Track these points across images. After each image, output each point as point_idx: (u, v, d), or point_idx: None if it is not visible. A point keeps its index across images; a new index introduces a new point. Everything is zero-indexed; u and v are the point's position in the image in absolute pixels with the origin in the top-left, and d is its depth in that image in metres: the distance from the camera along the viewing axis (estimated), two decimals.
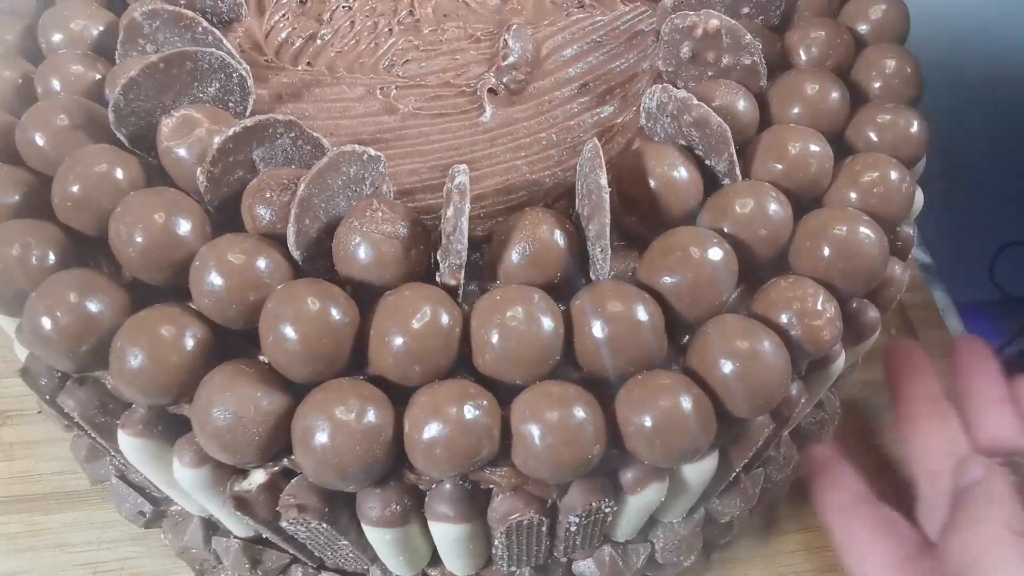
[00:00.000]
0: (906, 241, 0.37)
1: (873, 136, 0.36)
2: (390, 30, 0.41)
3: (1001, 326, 0.79)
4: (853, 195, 0.35)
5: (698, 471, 0.32)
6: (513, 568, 0.36)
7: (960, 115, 0.48)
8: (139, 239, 0.30)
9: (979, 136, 0.68)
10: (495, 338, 0.28)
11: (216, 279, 0.29)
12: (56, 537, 0.45)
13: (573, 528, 0.32)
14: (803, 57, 0.39)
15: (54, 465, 0.47)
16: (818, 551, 0.47)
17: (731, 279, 0.31)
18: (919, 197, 0.39)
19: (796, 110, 0.36)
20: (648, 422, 0.28)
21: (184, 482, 0.31)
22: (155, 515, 0.38)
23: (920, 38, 0.41)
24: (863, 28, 0.41)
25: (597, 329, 0.29)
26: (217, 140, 0.31)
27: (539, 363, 0.29)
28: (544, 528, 0.32)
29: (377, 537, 0.31)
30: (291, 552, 0.35)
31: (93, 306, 0.30)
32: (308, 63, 0.40)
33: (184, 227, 0.31)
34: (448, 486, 0.30)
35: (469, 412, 0.27)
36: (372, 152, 0.32)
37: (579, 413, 0.28)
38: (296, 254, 0.31)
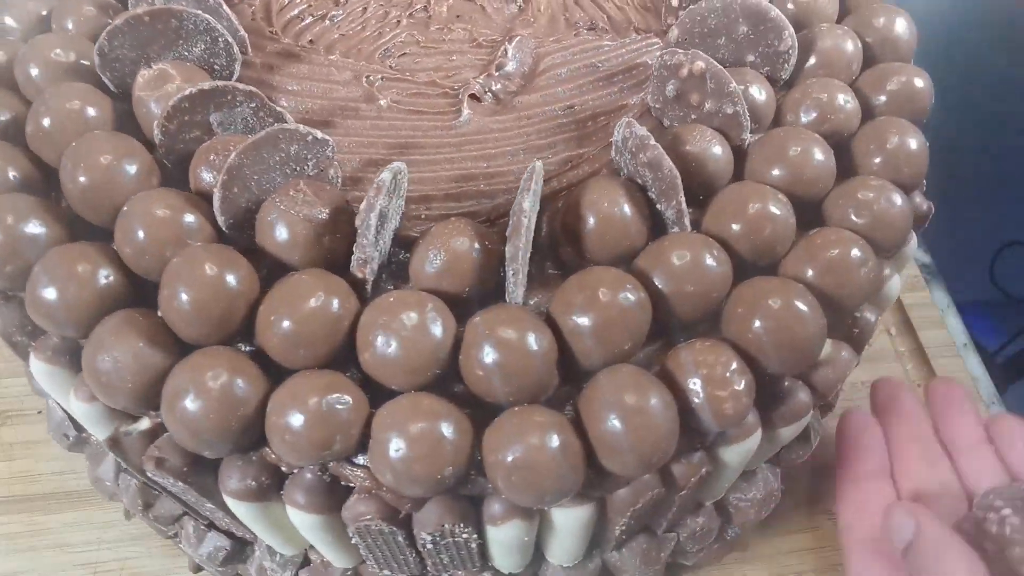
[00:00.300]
0: (864, 328, 0.35)
1: (851, 214, 0.34)
2: (398, 22, 0.42)
3: (1001, 326, 0.79)
4: (809, 271, 0.32)
5: (568, 517, 0.31)
6: (386, 572, 0.35)
7: (960, 115, 0.47)
8: (82, 178, 0.32)
9: (979, 136, 0.66)
10: (378, 338, 0.28)
11: (138, 228, 0.30)
12: (56, 537, 0.46)
13: (429, 545, 0.31)
14: (800, 118, 0.37)
15: (54, 465, 0.47)
16: (818, 551, 0.46)
17: (639, 328, 0.30)
18: (895, 284, 0.36)
19: (776, 171, 0.34)
20: (509, 455, 0.28)
21: (78, 413, 0.32)
22: (78, 440, 0.39)
23: (921, 37, 0.40)
24: (880, 99, 0.38)
25: (485, 352, 0.28)
26: (174, 97, 0.32)
27: (416, 371, 0.28)
28: (400, 538, 0.31)
29: (236, 508, 0.31)
30: (181, 504, 0.36)
31: (28, 230, 0.31)
32: (310, 41, 0.40)
33: (128, 173, 0.32)
34: (308, 475, 0.30)
35: (328, 404, 0.27)
36: (319, 135, 0.32)
37: (442, 430, 0.28)
38: (220, 220, 0.31)
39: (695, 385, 0.29)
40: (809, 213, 0.35)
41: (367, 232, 0.29)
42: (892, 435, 0.43)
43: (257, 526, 0.33)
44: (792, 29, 0.36)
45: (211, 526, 0.38)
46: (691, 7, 0.37)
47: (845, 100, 0.37)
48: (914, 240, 0.38)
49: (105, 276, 0.30)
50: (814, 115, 0.36)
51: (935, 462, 0.42)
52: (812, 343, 0.31)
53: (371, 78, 0.39)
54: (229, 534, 0.38)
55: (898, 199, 0.34)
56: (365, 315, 0.29)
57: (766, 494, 0.39)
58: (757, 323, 0.30)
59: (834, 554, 0.46)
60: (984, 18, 0.72)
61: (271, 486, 0.30)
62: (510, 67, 0.40)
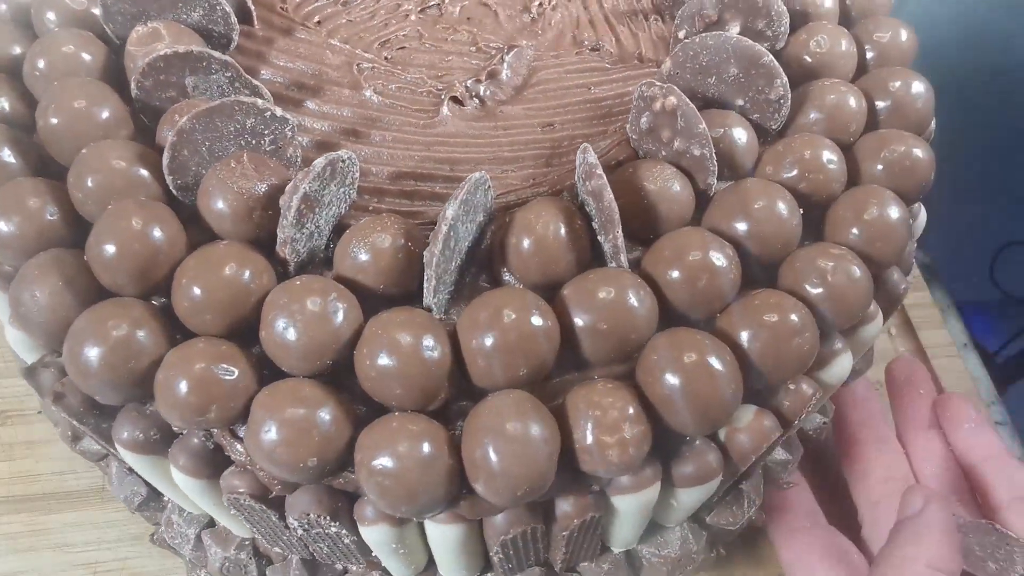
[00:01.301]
0: (796, 401, 0.33)
1: (804, 280, 0.32)
2: (407, 15, 0.42)
3: (1001, 326, 0.79)
4: (743, 332, 0.31)
5: (439, 532, 0.31)
6: (278, 549, 0.36)
7: (960, 115, 0.45)
8: (53, 118, 0.33)
9: (979, 136, 0.66)
10: (278, 319, 0.29)
11: (89, 173, 0.32)
12: (56, 537, 0.46)
13: (300, 531, 0.31)
14: (778, 171, 0.35)
15: (54, 465, 0.48)
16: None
17: (540, 355, 0.29)
18: (843, 363, 0.34)
19: (736, 223, 0.33)
20: (376, 458, 0.27)
21: (10, 339, 0.34)
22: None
23: (920, 36, 0.40)
24: (877, 168, 0.36)
25: (376, 350, 0.28)
26: (150, 56, 0.34)
27: (308, 357, 0.29)
28: (274, 519, 0.31)
29: (126, 456, 0.32)
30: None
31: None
32: (318, 21, 0.41)
33: (96, 120, 0.33)
34: (194, 439, 0.31)
35: (212, 373, 0.28)
36: (278, 113, 0.33)
37: (314, 419, 0.28)
38: (168, 179, 0.32)
39: (585, 425, 0.28)
40: (769, 272, 0.34)
41: (287, 213, 0.30)
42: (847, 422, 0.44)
43: (151, 479, 0.34)
44: (785, 78, 0.35)
45: (131, 470, 0.39)
46: (685, 41, 0.36)
47: (830, 160, 0.35)
48: (878, 321, 0.35)
49: (51, 213, 0.32)
50: (794, 172, 0.35)
51: (884, 446, 0.43)
52: (722, 406, 0.29)
53: (362, 66, 0.39)
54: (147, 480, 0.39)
55: (857, 272, 0.32)
56: (271, 294, 0.29)
57: (682, 555, 0.37)
58: (667, 375, 0.29)
59: None
60: (984, 18, 0.71)
61: (160, 443, 0.31)
62: (502, 76, 0.39)
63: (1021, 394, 0.70)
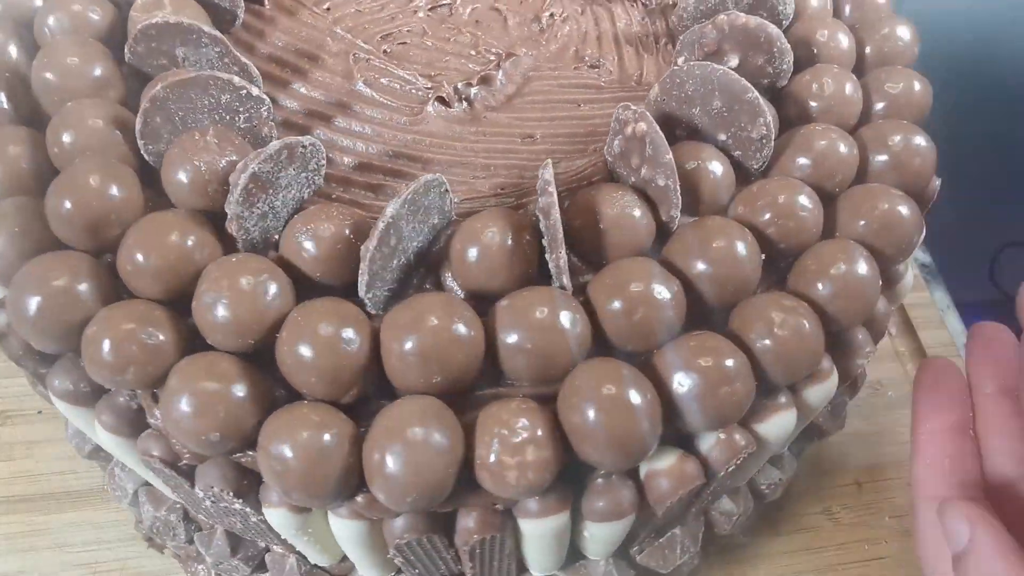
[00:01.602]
0: (725, 450, 0.31)
1: (754, 333, 0.31)
2: (415, 12, 0.42)
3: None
4: (678, 372, 0.30)
5: (340, 527, 0.30)
6: (202, 517, 0.36)
7: (960, 115, 0.46)
8: (47, 73, 0.35)
9: (979, 136, 0.66)
10: (207, 293, 0.29)
11: (66, 128, 0.33)
12: (56, 537, 0.46)
13: (208, 503, 0.32)
14: (751, 213, 0.33)
15: (54, 465, 0.48)
16: (818, 551, 0.46)
17: (457, 364, 0.28)
18: (785, 420, 0.33)
19: (693, 261, 0.32)
20: (273, 443, 0.27)
21: None
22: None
23: (920, 36, 0.40)
24: (858, 223, 0.34)
25: (293, 336, 0.28)
26: (144, 23, 0.35)
27: (232, 334, 0.29)
28: (187, 487, 0.32)
29: (57, 404, 0.33)
30: None
31: None
32: (327, 8, 0.42)
33: (86, 78, 0.35)
34: (119, 398, 0.31)
35: (136, 334, 0.28)
36: (255, 92, 0.33)
37: (222, 394, 0.28)
38: (140, 143, 0.33)
39: (490, 443, 0.28)
40: (723, 316, 0.33)
41: (234, 190, 0.30)
42: (983, 384, 0.38)
43: (85, 431, 0.35)
44: (769, 117, 0.33)
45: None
46: (674, 67, 0.35)
47: (804, 207, 0.33)
48: (831, 383, 0.34)
49: (26, 162, 0.33)
50: (765, 215, 0.33)
51: (950, 444, 0.37)
52: (637, 443, 0.28)
53: (358, 55, 0.40)
54: None
55: (807, 327, 0.31)
56: (207, 268, 0.30)
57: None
58: (584, 404, 0.28)
59: (833, 554, 0.46)
60: (984, 17, 0.71)
61: (90, 396, 0.32)
62: (496, 83, 0.39)
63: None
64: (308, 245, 0.31)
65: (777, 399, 0.32)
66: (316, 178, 0.34)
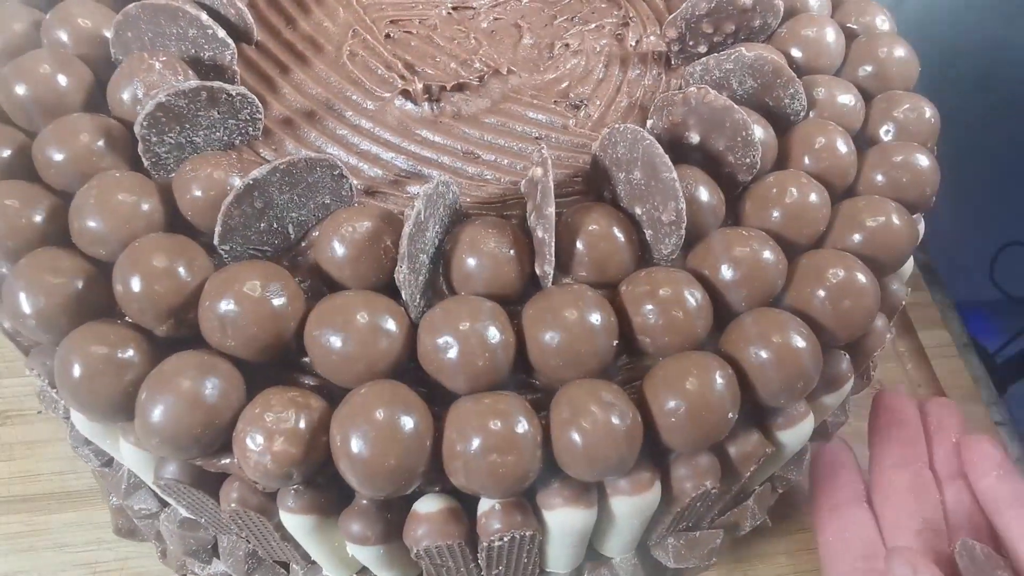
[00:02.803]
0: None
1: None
2: (437, 7, 0.42)
3: (1001, 326, 0.80)
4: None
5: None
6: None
7: (960, 115, 0.43)
8: (62, 34, 0.36)
9: (979, 136, 0.66)
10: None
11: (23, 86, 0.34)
12: (56, 537, 0.46)
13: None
14: (632, 300, 0.31)
15: (54, 465, 0.47)
16: (818, 551, 0.45)
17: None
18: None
19: (645, 305, 0.31)
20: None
21: None
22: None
23: (920, 36, 0.41)
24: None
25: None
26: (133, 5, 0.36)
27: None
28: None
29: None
30: None
31: None
32: None
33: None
34: None
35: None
36: (220, 34, 0.35)
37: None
38: (112, 52, 0.36)
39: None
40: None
41: (140, 112, 0.32)
42: (883, 456, 0.43)
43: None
44: (683, 204, 0.31)
45: None
46: (615, 126, 0.33)
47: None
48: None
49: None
50: (648, 306, 0.31)
51: (922, 493, 0.41)
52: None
53: (358, 31, 0.41)
54: None
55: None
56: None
57: None
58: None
59: None
60: (984, 17, 0.71)
61: None
62: (469, 94, 0.39)
63: (1021, 394, 0.70)
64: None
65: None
66: (250, 128, 0.35)
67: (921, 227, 0.39)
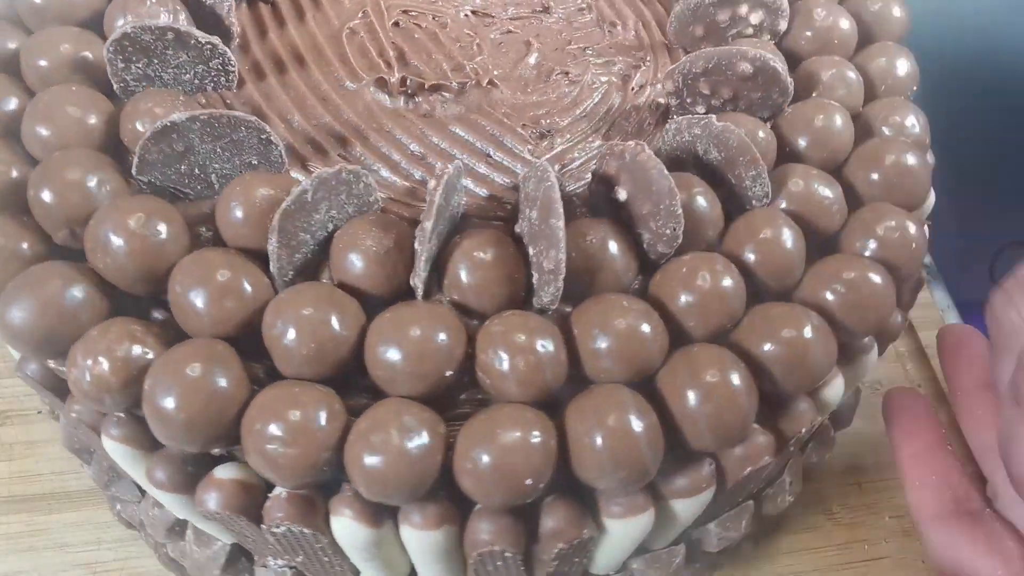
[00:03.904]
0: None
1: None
2: (459, 7, 0.42)
3: None
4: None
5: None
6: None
7: (960, 114, 0.45)
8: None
9: (980, 136, 0.66)
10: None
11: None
12: (56, 537, 0.45)
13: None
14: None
15: (54, 465, 0.47)
16: (818, 551, 0.47)
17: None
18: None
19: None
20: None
21: None
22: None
23: (920, 36, 0.41)
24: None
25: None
26: None
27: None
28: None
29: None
30: None
31: None
32: None
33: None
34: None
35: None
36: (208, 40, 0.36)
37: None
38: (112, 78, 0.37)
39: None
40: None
41: (109, 35, 0.34)
42: (963, 382, 0.41)
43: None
44: (562, 255, 0.29)
45: None
46: (536, 163, 0.32)
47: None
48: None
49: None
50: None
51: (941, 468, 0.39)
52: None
53: (367, 12, 0.41)
54: None
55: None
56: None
57: None
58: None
59: (834, 554, 0.47)
60: (984, 17, 0.70)
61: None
62: (445, 96, 0.38)
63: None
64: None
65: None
66: (222, 78, 0.37)
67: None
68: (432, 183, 0.30)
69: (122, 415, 0.31)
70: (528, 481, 0.28)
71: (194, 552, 0.37)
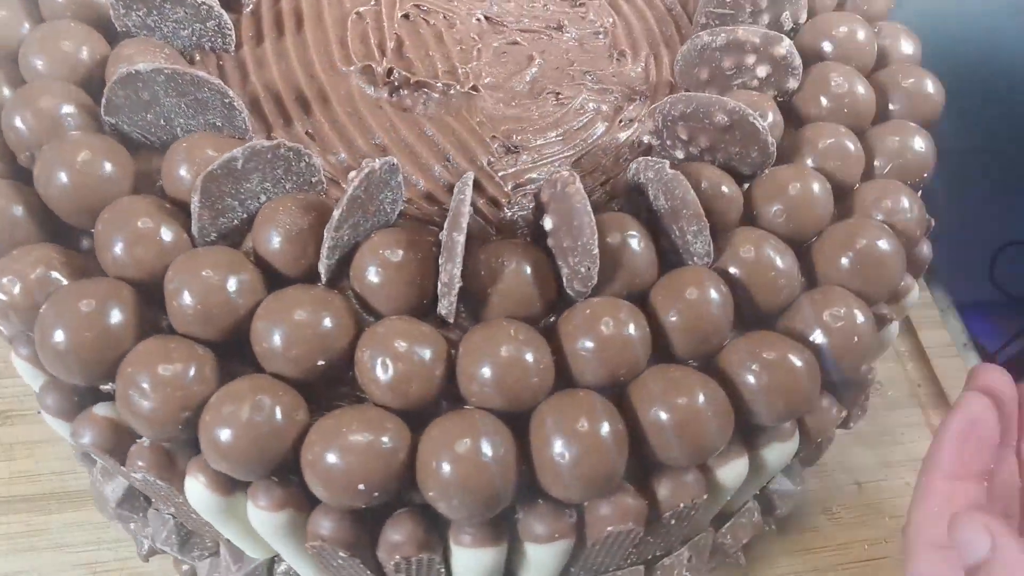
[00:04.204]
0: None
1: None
2: (471, 13, 0.42)
3: (1001, 326, 0.80)
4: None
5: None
6: None
7: (960, 114, 0.43)
8: None
9: (979, 136, 0.66)
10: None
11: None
12: (56, 537, 0.45)
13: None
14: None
15: (54, 465, 0.47)
16: (818, 551, 0.48)
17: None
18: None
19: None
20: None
21: None
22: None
23: (920, 36, 0.42)
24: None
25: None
26: None
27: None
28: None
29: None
30: None
31: None
32: None
33: None
34: None
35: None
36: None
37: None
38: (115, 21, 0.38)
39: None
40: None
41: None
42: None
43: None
44: (446, 276, 0.29)
45: None
46: (467, 175, 0.31)
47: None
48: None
49: None
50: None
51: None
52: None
53: (374, 5, 0.42)
54: None
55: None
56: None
57: None
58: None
59: (833, 555, 0.48)
60: (984, 17, 0.72)
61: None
62: (430, 95, 0.38)
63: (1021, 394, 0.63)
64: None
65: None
66: (219, 39, 0.39)
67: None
68: (353, 173, 0.30)
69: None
70: (360, 486, 0.27)
71: (98, 483, 0.39)
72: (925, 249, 0.38)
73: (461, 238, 0.29)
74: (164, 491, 0.32)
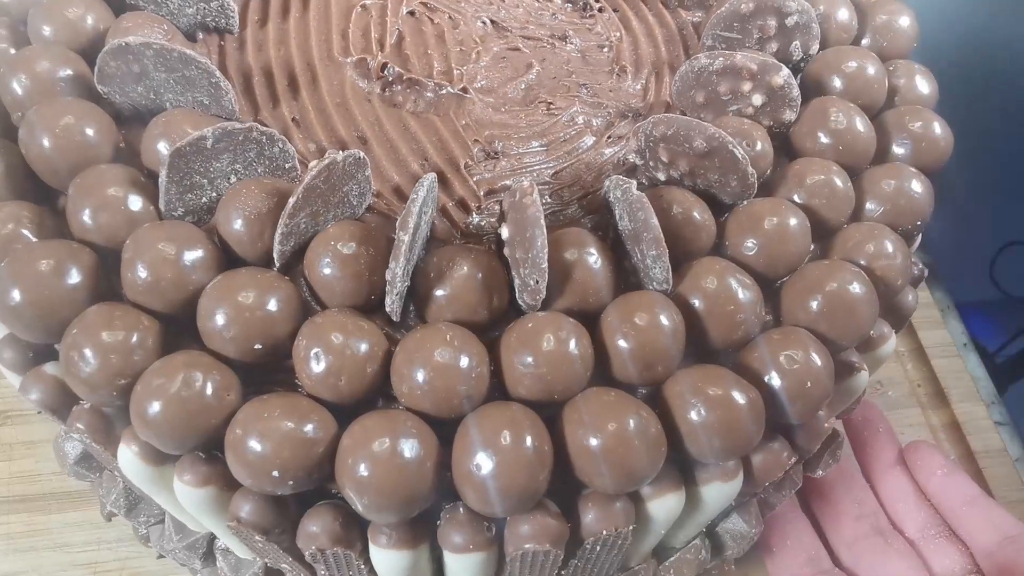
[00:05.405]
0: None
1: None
2: (478, 14, 0.42)
3: (1001, 326, 0.81)
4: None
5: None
6: None
7: (960, 115, 0.43)
8: None
9: (979, 136, 0.62)
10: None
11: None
12: (56, 537, 0.45)
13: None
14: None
15: (54, 465, 0.45)
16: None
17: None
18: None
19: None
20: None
21: None
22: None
23: (922, 37, 0.42)
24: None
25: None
26: None
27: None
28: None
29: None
30: None
31: None
32: None
33: None
34: None
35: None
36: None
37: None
38: None
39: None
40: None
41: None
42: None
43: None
44: (398, 284, 0.29)
45: None
46: (427, 176, 0.31)
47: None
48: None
49: None
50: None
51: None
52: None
53: None
54: None
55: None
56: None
57: None
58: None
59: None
60: (985, 17, 0.72)
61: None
62: (423, 93, 0.38)
63: (1021, 394, 0.70)
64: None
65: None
66: (222, 20, 0.39)
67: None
68: (314, 163, 0.31)
69: None
70: (275, 472, 0.27)
71: (60, 438, 0.40)
72: (910, 298, 0.37)
73: (407, 237, 0.29)
74: (101, 455, 0.32)
